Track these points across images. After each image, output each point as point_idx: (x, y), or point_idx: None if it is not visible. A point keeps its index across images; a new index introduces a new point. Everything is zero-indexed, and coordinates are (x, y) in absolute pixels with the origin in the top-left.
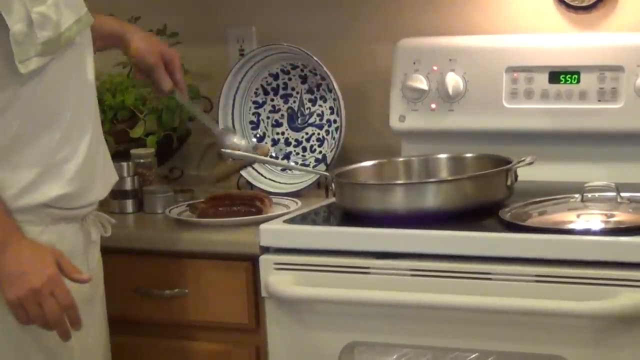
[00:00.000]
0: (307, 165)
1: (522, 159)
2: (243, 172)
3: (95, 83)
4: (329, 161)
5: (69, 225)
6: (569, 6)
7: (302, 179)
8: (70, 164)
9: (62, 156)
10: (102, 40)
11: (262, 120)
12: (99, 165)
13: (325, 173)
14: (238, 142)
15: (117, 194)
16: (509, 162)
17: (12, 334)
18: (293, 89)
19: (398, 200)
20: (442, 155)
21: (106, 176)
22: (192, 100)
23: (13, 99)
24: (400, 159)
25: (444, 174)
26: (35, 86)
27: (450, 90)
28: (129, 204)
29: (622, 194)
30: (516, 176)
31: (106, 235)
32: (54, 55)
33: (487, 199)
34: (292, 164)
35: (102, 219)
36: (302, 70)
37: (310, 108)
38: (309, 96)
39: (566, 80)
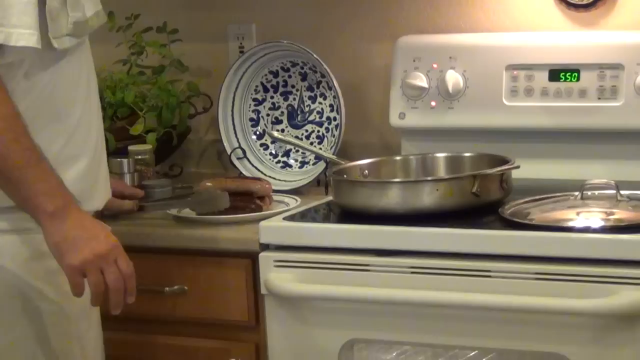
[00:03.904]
0: (307, 163)
1: (510, 163)
2: (242, 170)
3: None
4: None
5: None
6: (569, 4)
7: (302, 177)
8: (78, 161)
9: (72, 151)
10: None
11: (262, 117)
12: (102, 172)
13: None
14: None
15: None
16: (507, 161)
17: (18, 340)
18: (293, 86)
19: (394, 198)
20: (440, 154)
21: (106, 188)
22: (192, 99)
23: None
24: (398, 157)
25: (442, 172)
26: (52, 70)
27: (450, 88)
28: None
29: (622, 192)
30: (505, 181)
31: None
32: (80, 40)
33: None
34: (330, 155)
35: None
36: (302, 68)
37: (310, 105)
38: (308, 93)
39: (566, 78)
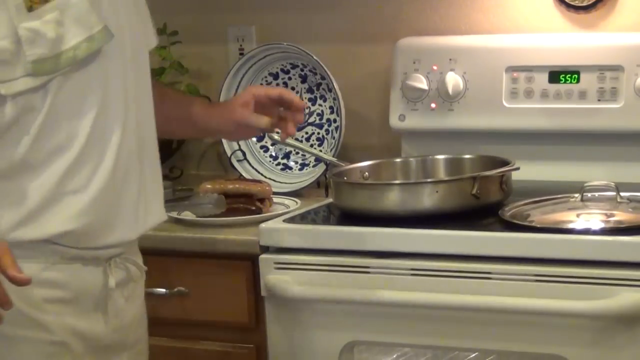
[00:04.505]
0: (307, 165)
1: (510, 165)
2: (242, 172)
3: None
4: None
5: (88, 268)
6: (569, 6)
7: (302, 179)
8: (79, 197)
9: (71, 187)
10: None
11: None
12: (127, 200)
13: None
14: None
15: None
16: (507, 163)
17: None
18: (293, 88)
19: (394, 200)
20: (440, 156)
21: (140, 214)
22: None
23: (10, 123)
24: (398, 159)
25: (442, 174)
26: (39, 109)
27: (450, 90)
28: None
29: (622, 194)
30: (505, 183)
31: (139, 280)
32: (53, 76)
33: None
34: (330, 157)
35: (135, 264)
36: (302, 70)
37: (310, 107)
38: (308, 95)
39: (566, 80)
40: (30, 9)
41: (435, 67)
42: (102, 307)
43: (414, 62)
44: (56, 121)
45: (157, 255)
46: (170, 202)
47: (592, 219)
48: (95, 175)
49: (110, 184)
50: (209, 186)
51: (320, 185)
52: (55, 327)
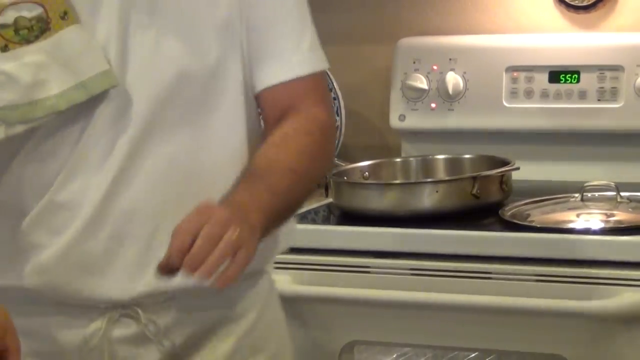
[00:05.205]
0: None
1: (510, 165)
2: None
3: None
4: None
5: (76, 318)
6: (569, 6)
7: None
8: (40, 252)
9: (29, 243)
10: None
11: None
12: (119, 261)
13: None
14: None
15: None
16: (506, 163)
17: None
18: None
19: (394, 200)
20: (440, 156)
21: (145, 275)
22: None
23: None
24: (398, 159)
25: (442, 174)
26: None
27: (450, 90)
28: None
29: (622, 194)
30: (505, 182)
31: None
32: (30, 126)
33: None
34: None
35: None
36: None
37: None
38: None
39: (566, 80)
40: (4, 48)
41: (435, 67)
42: None
43: (414, 62)
44: (8, 173)
45: None
46: None
47: (592, 218)
48: (62, 234)
49: (83, 244)
50: None
51: (320, 185)
52: None
